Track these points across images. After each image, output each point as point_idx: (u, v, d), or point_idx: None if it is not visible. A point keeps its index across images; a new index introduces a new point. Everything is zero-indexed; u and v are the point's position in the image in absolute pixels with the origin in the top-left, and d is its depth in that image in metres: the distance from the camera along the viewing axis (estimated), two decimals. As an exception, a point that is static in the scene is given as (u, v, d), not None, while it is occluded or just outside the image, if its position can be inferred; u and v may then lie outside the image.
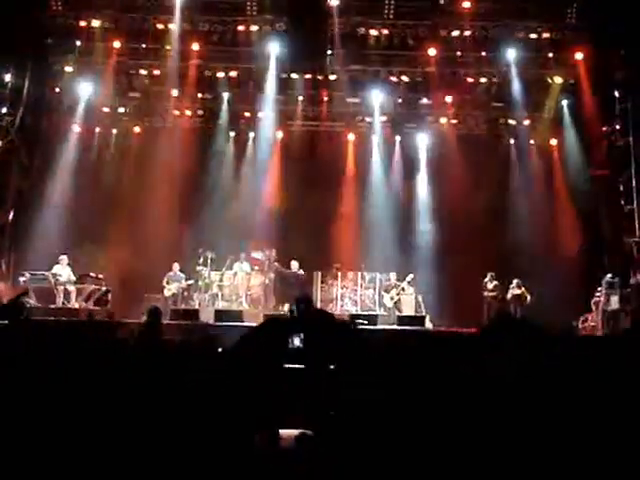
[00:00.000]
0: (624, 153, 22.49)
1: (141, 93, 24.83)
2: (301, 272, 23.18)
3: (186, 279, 22.81)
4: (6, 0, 20.08)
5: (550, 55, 23.55)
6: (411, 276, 23.03)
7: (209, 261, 23.14)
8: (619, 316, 20.32)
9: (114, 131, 25.55)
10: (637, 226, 22.02)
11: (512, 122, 25.62)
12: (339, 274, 24.05)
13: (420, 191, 26.02)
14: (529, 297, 22.03)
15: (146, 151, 24.49)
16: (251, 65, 24.06)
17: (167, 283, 22.49)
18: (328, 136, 26.14)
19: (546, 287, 21.50)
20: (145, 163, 24.18)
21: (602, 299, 21.28)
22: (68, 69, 23.56)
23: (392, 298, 23.23)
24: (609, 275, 21.52)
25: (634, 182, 22.04)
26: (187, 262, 23.13)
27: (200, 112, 26.09)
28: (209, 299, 23.10)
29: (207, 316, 21.09)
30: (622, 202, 22.69)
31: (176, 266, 22.72)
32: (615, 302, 21.00)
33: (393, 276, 23.47)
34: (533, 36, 23.09)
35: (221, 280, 23.38)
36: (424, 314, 21.45)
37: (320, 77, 24.43)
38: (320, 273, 23.92)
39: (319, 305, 22.95)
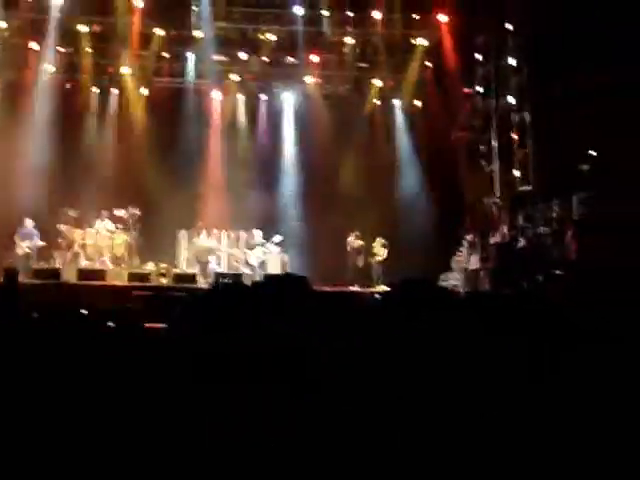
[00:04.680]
0: (485, 116, 24.03)
1: (5, 47, 24.23)
2: None
3: (39, 237, 22.63)
4: None
5: (414, 16, 24.33)
6: (278, 237, 23.85)
7: (71, 218, 23.13)
8: (479, 275, 21.70)
9: None
10: (497, 187, 23.62)
11: (377, 82, 25.91)
12: (203, 232, 24.22)
13: (286, 150, 26.32)
14: (385, 254, 23.38)
15: (8, 104, 24.15)
16: (113, 19, 24.23)
17: (20, 240, 22.25)
18: (193, 94, 26.10)
19: (409, 246, 22.82)
20: (6, 117, 23.79)
21: (463, 259, 22.85)
22: None
23: (258, 257, 23.90)
24: (469, 236, 23.05)
25: (494, 144, 23.55)
26: (46, 218, 22.94)
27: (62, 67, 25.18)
28: (71, 257, 23.06)
29: (69, 275, 21.62)
30: (482, 164, 24.17)
31: (29, 222, 22.46)
32: (475, 262, 22.38)
33: (258, 234, 24.05)
34: None
35: (83, 238, 23.33)
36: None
37: (185, 33, 24.70)
38: (185, 231, 24.36)
39: (184, 264, 24.16)
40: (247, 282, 20.32)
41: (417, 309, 3.97)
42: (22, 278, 17.88)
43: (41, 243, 22.87)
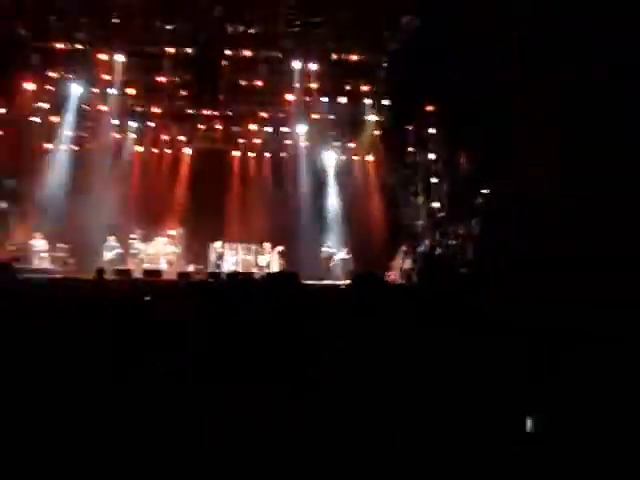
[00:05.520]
0: (414, 166, 23.61)
1: (93, 122, 24.27)
2: None
3: (119, 248, 22.97)
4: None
5: (367, 101, 24.12)
6: (280, 248, 23.78)
7: (140, 235, 23.58)
8: (411, 273, 21.71)
9: (75, 147, 24.33)
10: (423, 214, 23.02)
11: (343, 145, 26.36)
12: (225, 244, 24.47)
13: (283, 191, 25.96)
14: (352, 260, 23.34)
15: (98, 161, 23.95)
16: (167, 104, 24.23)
17: (105, 250, 22.57)
18: (220, 152, 26.62)
19: (364, 253, 22.80)
20: (96, 169, 23.60)
21: (400, 261, 22.87)
22: (43, 105, 22.85)
23: (265, 260, 24.01)
24: (404, 246, 22.69)
25: (420, 185, 22.98)
26: (122, 236, 23.15)
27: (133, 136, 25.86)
28: (138, 262, 23.32)
29: (137, 274, 21.77)
30: (412, 198, 23.45)
31: (111, 237, 22.86)
32: (408, 263, 21.93)
33: (267, 245, 24.12)
34: (356, 88, 23.51)
35: (146, 249, 23.69)
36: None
37: (215, 113, 24.88)
38: (214, 244, 24.23)
39: (215, 265, 24.11)
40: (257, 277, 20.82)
41: (366, 294, 3.89)
42: (107, 276, 18.22)
43: (120, 251, 23.15)
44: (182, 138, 26.44)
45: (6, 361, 3.45)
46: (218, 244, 24.37)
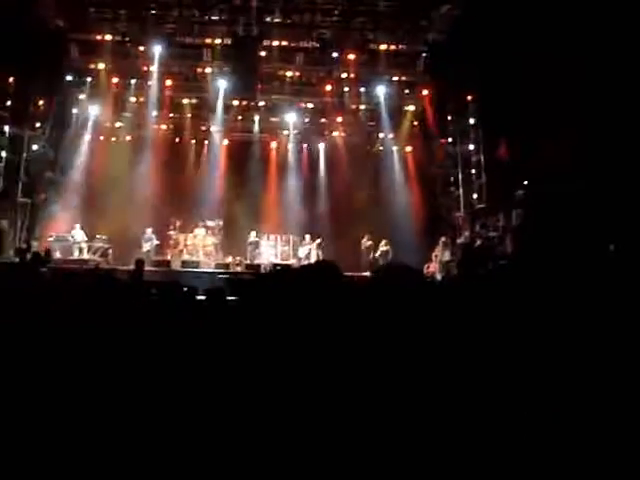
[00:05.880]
0: (453, 157, 23.99)
1: (132, 113, 25.01)
2: None
3: (157, 239, 23.31)
4: (36, 50, 19.95)
5: (406, 91, 24.47)
6: (319, 240, 23.71)
7: (177, 226, 23.86)
8: (450, 265, 21.51)
9: (113, 139, 25.81)
10: (462, 205, 23.53)
11: (382, 135, 26.37)
12: (265, 235, 24.69)
13: (320, 182, 26.92)
14: (391, 252, 22.93)
15: (135, 152, 24.95)
16: (205, 94, 24.77)
17: (144, 242, 22.84)
18: (258, 143, 26.91)
19: (403, 244, 22.54)
20: (134, 160, 24.59)
21: (439, 253, 22.74)
22: (82, 96, 23.94)
23: (304, 252, 23.96)
24: (443, 237, 23.01)
25: (460, 176, 23.57)
26: (162, 228, 23.63)
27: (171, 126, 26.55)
28: (178, 253, 23.51)
29: (176, 264, 22.34)
30: (451, 189, 24.24)
31: (149, 230, 23.15)
32: (447, 255, 22.47)
33: (307, 237, 24.16)
34: (395, 78, 23.83)
35: (185, 240, 23.86)
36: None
37: (252, 103, 25.26)
38: (250, 234, 24.29)
39: (252, 256, 24.09)
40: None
41: (397, 288, 3.26)
42: (146, 267, 17.99)
43: (157, 243, 23.48)
44: (220, 129, 26.47)
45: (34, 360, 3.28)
46: (253, 234, 24.38)
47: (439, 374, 2.61)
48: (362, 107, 25.68)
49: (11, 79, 21.10)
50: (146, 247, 22.99)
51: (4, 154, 21.40)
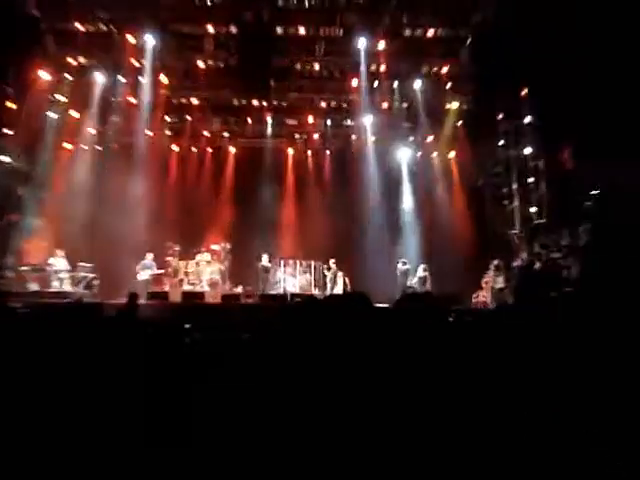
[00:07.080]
0: (506, 164, 23.82)
1: (119, 117, 24.44)
2: None
3: (157, 267, 22.83)
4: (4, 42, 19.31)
5: (447, 85, 23.89)
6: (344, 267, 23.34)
7: (176, 252, 23.57)
8: (505, 293, 21.19)
9: (98, 147, 25.17)
10: (517, 221, 23.30)
11: (419, 139, 26.04)
12: (281, 261, 24.35)
13: (346, 195, 25.65)
14: (429, 278, 22.84)
15: (125, 163, 24.22)
16: (208, 93, 24.49)
17: (141, 269, 22.36)
18: (272, 150, 26.59)
19: (446, 269, 22.16)
20: (124, 173, 23.84)
21: (490, 279, 22.47)
22: (59, 97, 23.23)
23: (330, 279, 23.48)
24: (495, 260, 22.57)
25: (515, 186, 23.40)
26: (159, 253, 23.14)
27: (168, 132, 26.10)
28: (177, 283, 23.14)
29: (175, 297, 21.35)
30: (504, 202, 24.01)
31: (149, 255, 22.67)
32: (501, 281, 21.90)
33: (332, 262, 23.54)
34: (434, 70, 23.38)
35: (186, 267, 23.52)
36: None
37: (264, 103, 24.81)
38: (261, 259, 23.74)
39: (268, 287, 23.66)
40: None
41: (410, 318, 3.85)
42: (141, 300, 17.61)
43: (158, 271, 23.13)
44: (226, 134, 26.43)
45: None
46: (265, 258, 23.93)
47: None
48: (395, 105, 25.06)
49: (-27, 78, 20.55)
50: (143, 276, 22.58)
51: (-34, 167, 20.90)
